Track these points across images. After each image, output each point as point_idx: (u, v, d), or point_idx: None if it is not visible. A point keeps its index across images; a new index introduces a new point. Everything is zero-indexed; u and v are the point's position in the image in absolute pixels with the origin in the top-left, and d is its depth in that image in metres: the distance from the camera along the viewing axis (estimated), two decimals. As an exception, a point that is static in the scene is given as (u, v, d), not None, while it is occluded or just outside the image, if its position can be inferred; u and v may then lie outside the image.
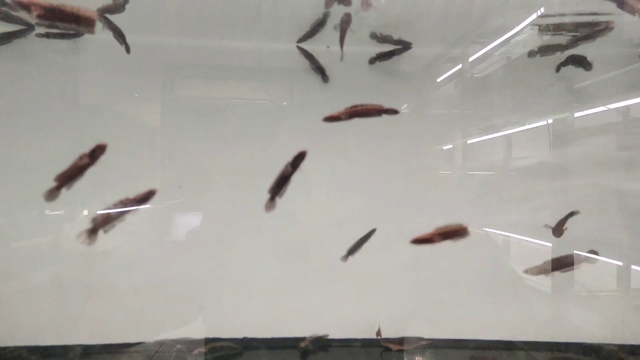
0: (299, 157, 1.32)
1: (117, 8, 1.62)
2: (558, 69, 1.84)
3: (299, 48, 1.78)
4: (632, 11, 1.45)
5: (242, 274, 1.81)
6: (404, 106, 2.03)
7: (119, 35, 1.66)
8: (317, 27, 1.73)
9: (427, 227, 1.92)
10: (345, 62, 1.84)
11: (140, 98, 1.96)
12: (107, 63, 1.78)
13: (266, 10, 1.83)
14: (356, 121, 1.93)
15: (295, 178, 1.79)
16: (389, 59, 1.81)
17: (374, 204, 1.82)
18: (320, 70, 1.80)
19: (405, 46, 1.79)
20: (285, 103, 2.01)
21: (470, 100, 2.03)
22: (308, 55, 1.78)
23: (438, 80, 2.06)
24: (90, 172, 1.82)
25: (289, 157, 1.87)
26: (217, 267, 1.81)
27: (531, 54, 1.78)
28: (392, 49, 1.80)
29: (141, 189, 1.89)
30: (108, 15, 1.62)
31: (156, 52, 1.87)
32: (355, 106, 1.41)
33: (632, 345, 1.78)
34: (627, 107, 1.90)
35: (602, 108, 1.88)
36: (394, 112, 1.42)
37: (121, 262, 1.79)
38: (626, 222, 1.82)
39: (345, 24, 1.69)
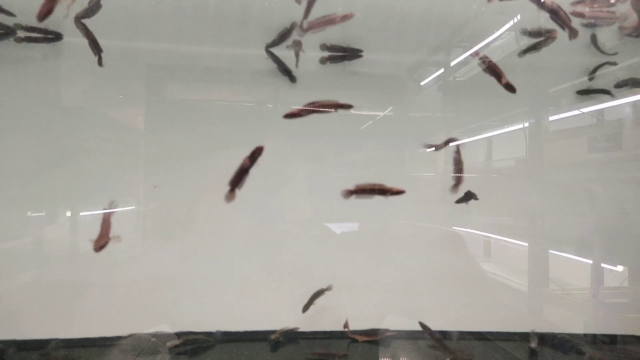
0: (257, 152, 1.40)
1: (92, 10, 1.61)
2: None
3: (268, 52, 1.83)
4: (563, 25, 1.51)
5: (215, 270, 1.85)
6: (389, 109, 2.07)
7: (94, 45, 1.66)
8: (285, 35, 1.80)
9: (407, 228, 1.99)
10: (329, 66, 1.87)
11: (124, 100, 1.95)
12: (91, 66, 1.78)
13: (251, 15, 1.85)
14: (339, 122, 1.99)
15: (271, 176, 1.85)
16: (340, 62, 1.90)
17: (353, 204, 1.87)
18: (287, 73, 1.87)
19: (354, 53, 1.88)
20: (270, 105, 2.04)
21: (453, 104, 2.08)
22: (276, 59, 1.85)
23: (422, 83, 2.11)
24: (74, 174, 1.83)
25: (270, 158, 1.91)
26: (191, 264, 1.84)
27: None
28: (343, 53, 1.89)
29: (124, 191, 1.91)
30: (86, 21, 1.61)
31: (141, 55, 1.87)
32: (313, 103, 1.47)
33: (594, 335, 1.87)
34: (599, 111, 1.98)
35: (576, 112, 1.95)
36: (348, 107, 1.49)
37: (102, 262, 1.79)
38: (596, 222, 1.91)
39: (296, 48, 1.81)
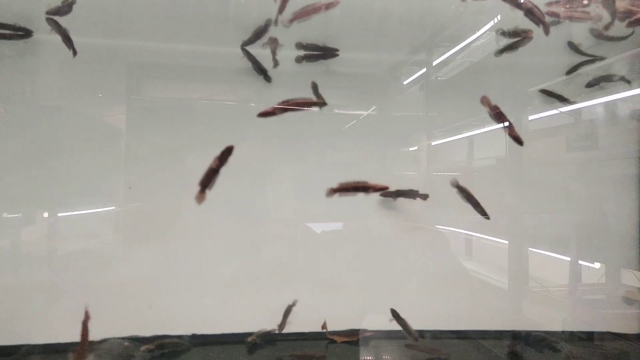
0: (226, 152, 1.38)
1: (65, 9, 1.60)
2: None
3: (244, 50, 1.81)
4: (538, 22, 1.54)
5: (192, 272, 1.83)
6: (372, 108, 2.07)
7: (66, 39, 1.64)
8: (260, 33, 1.78)
9: (389, 227, 1.99)
10: (312, 65, 1.87)
11: (104, 99, 1.93)
12: (70, 64, 1.75)
13: (234, 13, 1.84)
14: (322, 121, 1.99)
15: (252, 176, 1.83)
16: (316, 61, 1.89)
17: (335, 204, 1.86)
18: (262, 72, 1.85)
19: (330, 52, 1.87)
20: (252, 104, 2.02)
21: (435, 103, 2.09)
22: (251, 58, 1.83)
23: (405, 82, 2.12)
24: (51, 174, 1.79)
25: (251, 157, 1.90)
26: (168, 266, 1.82)
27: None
28: (319, 52, 1.88)
29: (103, 191, 1.88)
30: (57, 18, 1.60)
31: (121, 52, 1.84)
32: (287, 101, 1.46)
33: (572, 332, 1.90)
34: (577, 110, 2.02)
35: (555, 111, 1.98)
36: (323, 104, 1.48)
37: (77, 265, 1.76)
38: (574, 219, 1.94)
39: (272, 46, 1.79)
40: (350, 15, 1.87)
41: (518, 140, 1.52)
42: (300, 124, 1.92)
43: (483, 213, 1.74)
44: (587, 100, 1.97)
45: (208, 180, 1.38)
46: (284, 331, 1.82)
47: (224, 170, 1.62)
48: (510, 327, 1.87)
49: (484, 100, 1.55)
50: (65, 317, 1.60)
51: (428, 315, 1.88)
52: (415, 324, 1.70)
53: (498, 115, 1.51)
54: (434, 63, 2.08)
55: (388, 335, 1.79)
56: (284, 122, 1.81)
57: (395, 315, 1.65)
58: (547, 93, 1.96)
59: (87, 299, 1.41)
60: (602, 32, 1.75)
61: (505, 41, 1.82)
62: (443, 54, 2.06)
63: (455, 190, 1.77)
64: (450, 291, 1.94)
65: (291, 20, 1.64)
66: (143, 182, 1.82)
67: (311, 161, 1.99)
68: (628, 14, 1.42)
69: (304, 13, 1.65)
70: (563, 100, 1.92)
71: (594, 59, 1.90)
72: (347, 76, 2.00)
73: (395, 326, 1.67)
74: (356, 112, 2.06)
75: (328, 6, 1.66)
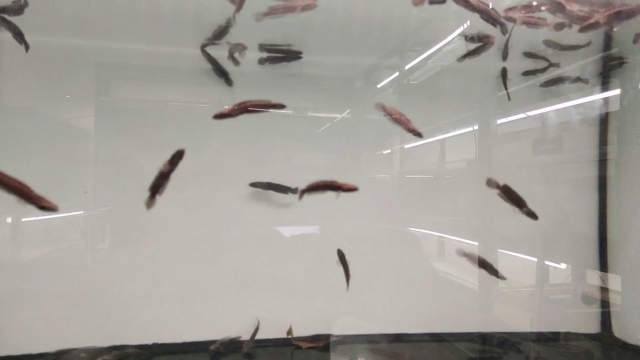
0: (177, 155, 1.34)
1: (16, 10, 1.54)
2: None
3: (203, 52, 1.78)
4: (494, 23, 1.57)
5: (153, 279, 1.79)
6: (347, 111, 2.08)
7: (18, 35, 1.58)
8: (220, 34, 1.75)
9: (361, 229, 1.99)
10: (288, 68, 1.86)
11: (72, 100, 1.88)
12: (36, 64, 1.70)
13: (205, 15, 1.82)
14: (296, 124, 1.98)
15: (221, 180, 1.80)
16: (279, 63, 1.87)
17: (307, 207, 1.85)
18: (223, 74, 1.82)
19: (293, 55, 1.86)
20: (226, 107, 2.01)
21: (408, 106, 2.11)
22: (211, 60, 1.79)
23: (378, 86, 2.13)
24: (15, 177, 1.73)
25: (223, 161, 1.88)
26: (126, 273, 1.78)
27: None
28: (283, 55, 1.86)
29: (71, 195, 1.83)
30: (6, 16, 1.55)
31: (90, 53, 1.81)
32: (244, 102, 1.45)
33: (539, 333, 1.93)
34: (543, 115, 2.07)
35: (522, 115, 2.03)
36: (281, 106, 1.47)
37: (34, 273, 1.70)
38: (540, 221, 1.98)
39: (233, 49, 1.76)
40: (328, 20, 1.88)
41: (533, 215, 1.56)
42: (274, 126, 1.91)
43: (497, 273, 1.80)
44: (551, 105, 2.02)
45: (158, 185, 1.34)
46: (248, 338, 1.78)
47: (192, 174, 1.60)
48: (480, 328, 1.89)
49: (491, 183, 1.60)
50: (20, 327, 1.54)
51: (399, 318, 1.88)
52: (387, 327, 1.70)
53: (513, 198, 1.55)
54: (407, 67, 2.11)
55: (356, 339, 1.79)
56: (258, 124, 1.80)
57: (340, 256, 1.64)
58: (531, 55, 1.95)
59: (43, 308, 1.36)
60: (555, 41, 1.81)
61: (474, 46, 1.85)
62: (415, 58, 2.09)
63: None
64: (422, 293, 1.96)
65: (265, 14, 1.61)
66: (108, 187, 1.78)
67: (285, 164, 1.98)
68: (581, 19, 1.46)
69: (279, 10, 1.63)
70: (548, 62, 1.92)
71: (552, 65, 1.96)
72: (322, 79, 2.01)
73: (363, 330, 1.66)
74: (331, 115, 2.06)
75: (304, 7, 1.64)
